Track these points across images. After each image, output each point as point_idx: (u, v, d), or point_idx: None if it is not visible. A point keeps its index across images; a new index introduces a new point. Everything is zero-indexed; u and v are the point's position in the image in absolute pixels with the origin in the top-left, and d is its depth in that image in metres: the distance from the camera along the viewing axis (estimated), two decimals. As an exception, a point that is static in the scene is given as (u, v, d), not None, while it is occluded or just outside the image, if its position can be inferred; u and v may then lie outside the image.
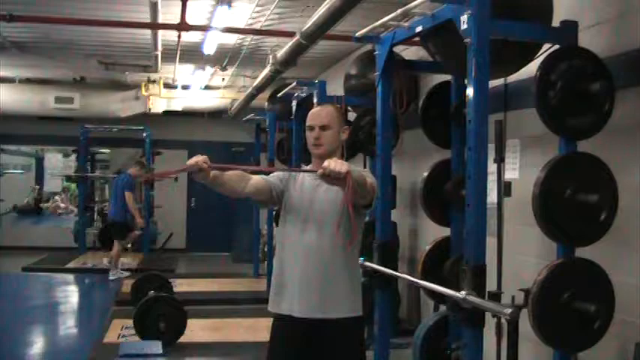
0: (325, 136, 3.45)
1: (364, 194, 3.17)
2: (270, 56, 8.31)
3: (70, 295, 10.96)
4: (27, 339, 7.48)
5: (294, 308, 3.38)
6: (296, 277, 3.39)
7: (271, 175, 3.63)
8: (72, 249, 14.07)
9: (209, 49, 9.68)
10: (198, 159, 3.17)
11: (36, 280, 11.55)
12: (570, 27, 4.12)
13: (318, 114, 3.51)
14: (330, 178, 2.83)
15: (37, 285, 11.24)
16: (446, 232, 5.32)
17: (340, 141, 3.53)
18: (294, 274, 3.40)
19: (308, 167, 3.69)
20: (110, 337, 7.12)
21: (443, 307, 5.24)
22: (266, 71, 8.83)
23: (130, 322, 6.79)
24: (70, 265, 12.61)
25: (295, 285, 3.38)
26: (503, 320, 3.84)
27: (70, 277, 11.93)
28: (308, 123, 3.50)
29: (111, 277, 11.31)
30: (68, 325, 8.62)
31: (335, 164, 2.83)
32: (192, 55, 10.52)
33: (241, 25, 8.71)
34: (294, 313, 3.38)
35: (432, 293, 5.07)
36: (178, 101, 13.75)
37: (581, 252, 3.97)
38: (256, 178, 3.52)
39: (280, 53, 7.92)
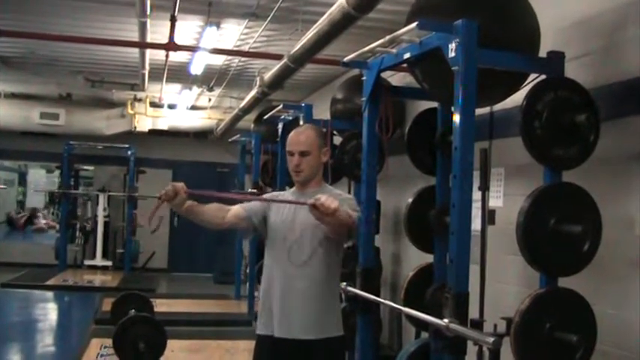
0: (305, 162, 3.47)
1: (341, 234, 3.33)
2: (258, 78, 8.34)
3: (49, 312, 10.86)
4: (4, 357, 7.38)
5: (274, 329, 3.42)
6: (277, 297, 3.42)
7: (252, 202, 3.70)
8: (52, 266, 13.94)
9: (196, 70, 9.71)
10: (176, 184, 3.32)
11: (14, 297, 11.43)
12: (557, 58, 4.14)
13: (297, 139, 3.51)
14: (318, 211, 2.91)
15: (16, 302, 11.12)
16: (429, 258, 5.31)
17: (321, 163, 3.54)
18: (275, 294, 3.43)
19: (289, 192, 3.70)
20: (89, 356, 7.05)
21: (425, 334, 5.22)
22: (253, 93, 8.85)
23: (109, 342, 6.72)
24: (50, 282, 12.49)
25: (276, 305, 3.43)
26: (484, 349, 3.83)
27: (50, 294, 11.82)
28: (288, 148, 3.53)
29: None
30: (46, 343, 8.54)
31: (326, 200, 2.90)
32: (180, 74, 10.54)
33: (229, 47, 8.75)
34: (274, 334, 3.41)
35: (414, 320, 5.05)
36: (164, 120, 13.75)
37: (564, 282, 3.97)
38: (235, 208, 3.63)
39: (267, 75, 7.95)
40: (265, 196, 3.84)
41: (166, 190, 3.31)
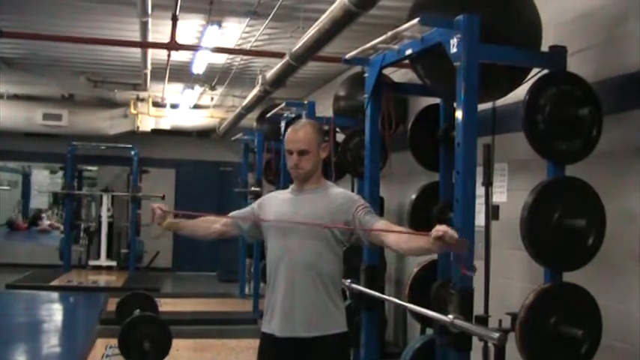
0: (304, 161, 3.44)
1: None
2: (260, 76, 8.33)
3: (54, 313, 10.86)
4: (9, 358, 7.38)
5: (276, 327, 3.40)
6: (280, 296, 3.41)
7: (247, 208, 3.75)
8: (57, 267, 13.96)
9: (198, 69, 9.71)
10: (154, 205, 3.61)
11: (19, 298, 11.44)
12: (559, 52, 4.14)
13: (295, 137, 3.46)
14: (444, 242, 2.83)
15: (21, 303, 11.12)
16: (433, 254, 5.30)
17: (320, 160, 3.52)
18: (279, 292, 3.42)
19: (288, 190, 3.68)
20: (94, 356, 7.06)
21: (430, 330, 5.22)
22: (255, 91, 8.85)
23: (114, 342, 6.72)
24: (55, 282, 12.50)
25: (279, 304, 3.41)
26: (490, 344, 3.83)
27: (55, 295, 11.82)
28: (286, 146, 3.50)
29: None
30: (51, 344, 8.53)
31: (452, 231, 2.83)
32: (182, 74, 10.54)
33: (231, 45, 8.74)
34: (275, 333, 3.39)
35: (419, 316, 5.04)
36: (167, 120, 13.76)
37: (569, 276, 3.97)
38: (225, 218, 3.69)
39: (269, 74, 7.94)
40: (261, 200, 3.79)
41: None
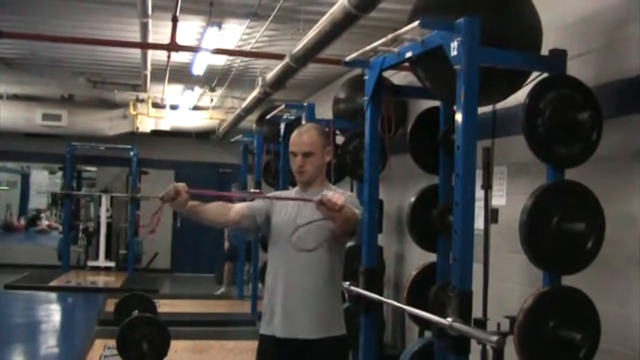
0: (309, 163, 3.44)
1: (346, 231, 3.27)
2: (260, 78, 8.33)
3: (53, 313, 10.85)
4: (8, 359, 7.38)
5: (277, 329, 3.40)
6: (280, 297, 3.41)
7: (255, 200, 3.67)
8: (56, 267, 13.95)
9: (198, 70, 9.71)
10: (177, 184, 3.24)
11: (18, 298, 11.43)
12: (559, 56, 4.13)
13: (300, 140, 3.48)
14: (325, 207, 2.91)
15: (19, 303, 11.12)
16: (432, 257, 5.31)
17: (325, 163, 3.52)
18: (279, 294, 3.42)
19: (293, 191, 3.69)
20: (92, 357, 7.05)
21: (428, 333, 5.22)
22: (255, 93, 8.86)
23: (112, 342, 6.72)
24: (54, 283, 12.50)
25: (280, 305, 3.41)
26: (488, 347, 3.83)
27: (53, 295, 11.82)
28: (291, 149, 3.49)
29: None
30: (50, 345, 8.53)
31: (333, 196, 2.91)
32: (182, 75, 10.54)
33: (231, 47, 8.74)
34: (277, 334, 3.40)
35: (418, 319, 5.05)
36: (166, 121, 13.76)
37: (568, 280, 3.96)
38: (239, 206, 3.59)
39: (269, 75, 7.94)
40: (270, 195, 3.80)
41: (167, 190, 3.23)
